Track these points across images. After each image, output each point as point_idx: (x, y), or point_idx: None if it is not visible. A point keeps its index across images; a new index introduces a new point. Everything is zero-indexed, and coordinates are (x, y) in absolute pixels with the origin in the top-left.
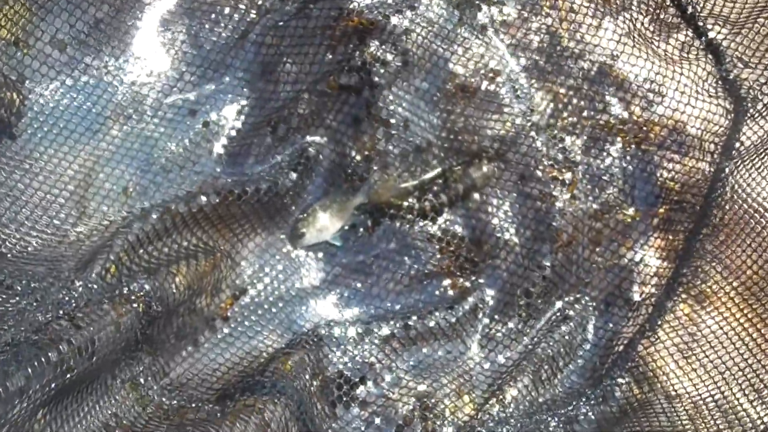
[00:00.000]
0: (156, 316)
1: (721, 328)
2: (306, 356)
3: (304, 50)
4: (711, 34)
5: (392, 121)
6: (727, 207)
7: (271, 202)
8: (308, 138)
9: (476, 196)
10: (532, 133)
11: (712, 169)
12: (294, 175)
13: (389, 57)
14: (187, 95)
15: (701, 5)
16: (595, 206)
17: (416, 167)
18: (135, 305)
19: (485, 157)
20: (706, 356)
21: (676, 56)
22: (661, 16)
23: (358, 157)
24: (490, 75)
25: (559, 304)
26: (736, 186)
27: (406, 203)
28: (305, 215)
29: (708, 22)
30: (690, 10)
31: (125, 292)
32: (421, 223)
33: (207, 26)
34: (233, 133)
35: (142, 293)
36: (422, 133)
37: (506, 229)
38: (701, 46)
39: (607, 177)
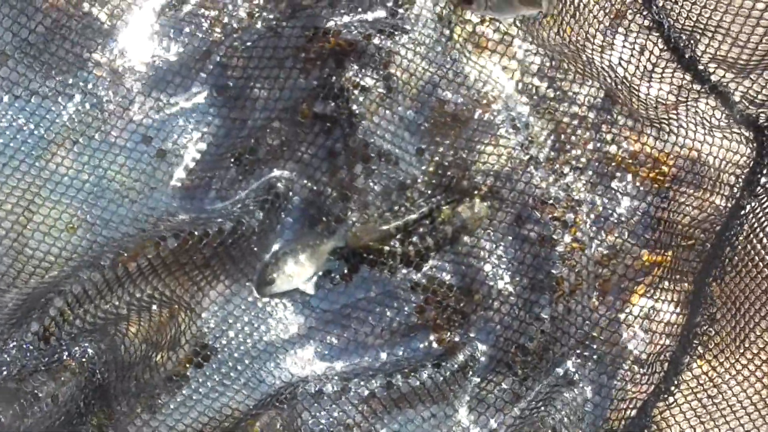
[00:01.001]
0: (102, 384)
1: (744, 390)
2: (276, 418)
3: (274, 74)
4: (714, 78)
5: (373, 154)
6: (743, 248)
7: (236, 244)
8: (277, 172)
9: (466, 239)
10: (531, 168)
11: (729, 205)
12: (260, 214)
13: (370, 82)
14: (141, 120)
15: (702, 49)
16: (601, 250)
17: (399, 206)
18: (76, 373)
19: (477, 195)
20: (727, 423)
21: (671, 100)
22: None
23: (334, 195)
24: (484, 102)
25: (560, 362)
26: (756, 226)
27: (387, 247)
28: (274, 260)
29: (710, 66)
30: (688, 54)
31: (65, 357)
32: (404, 270)
33: (165, 44)
34: (192, 164)
35: (84, 358)
36: (407, 168)
37: (500, 276)
38: (703, 89)
39: (615, 217)
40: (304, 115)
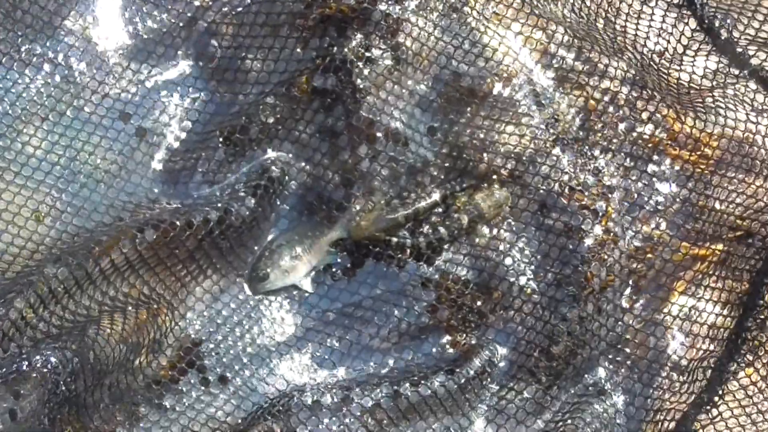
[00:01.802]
0: (69, 396)
1: None
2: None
3: (268, 43)
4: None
5: (379, 134)
6: None
7: (224, 235)
8: (271, 153)
9: (484, 229)
10: (557, 150)
11: None
12: (252, 201)
13: (376, 53)
14: (119, 94)
15: (740, 30)
16: (635, 243)
17: (409, 193)
18: (38, 385)
19: (496, 180)
20: None
21: (706, 85)
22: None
23: (336, 180)
24: (505, 75)
25: (589, 368)
26: None
27: (395, 239)
28: (267, 253)
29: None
30: (724, 34)
31: (25, 367)
32: (414, 265)
33: (146, 9)
34: (175, 144)
35: (47, 368)
36: (417, 149)
37: (522, 271)
38: (741, 74)
39: (651, 205)
40: (302, 90)
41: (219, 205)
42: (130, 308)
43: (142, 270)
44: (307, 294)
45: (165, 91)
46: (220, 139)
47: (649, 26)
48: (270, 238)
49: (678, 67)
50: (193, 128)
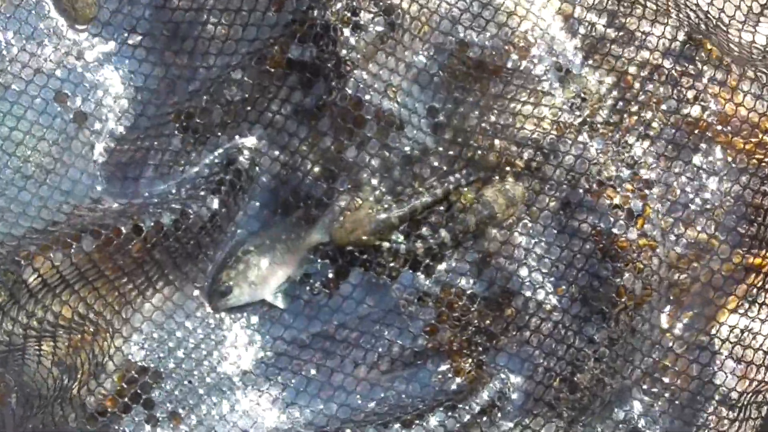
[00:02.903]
0: None
1: None
2: None
3: (235, 4)
4: None
5: (368, 117)
6: None
7: (180, 241)
8: (238, 140)
9: (495, 232)
10: (583, 136)
11: None
12: (215, 201)
13: (366, 18)
14: (53, 70)
15: None
16: (677, 249)
17: (404, 188)
18: None
19: (510, 173)
20: None
21: None
22: None
23: (316, 172)
24: (522, 45)
25: (620, 401)
26: None
27: (387, 244)
28: (232, 261)
29: None
30: None
31: None
32: (410, 275)
33: None
34: (121, 130)
35: None
36: (414, 135)
37: (540, 284)
38: None
39: (698, 204)
40: (276, 63)
41: (174, 205)
42: (61, 332)
43: (79, 285)
44: (279, 311)
45: (109, 65)
46: (177, 125)
47: None
48: (235, 242)
49: (753, 30)
50: (144, 111)
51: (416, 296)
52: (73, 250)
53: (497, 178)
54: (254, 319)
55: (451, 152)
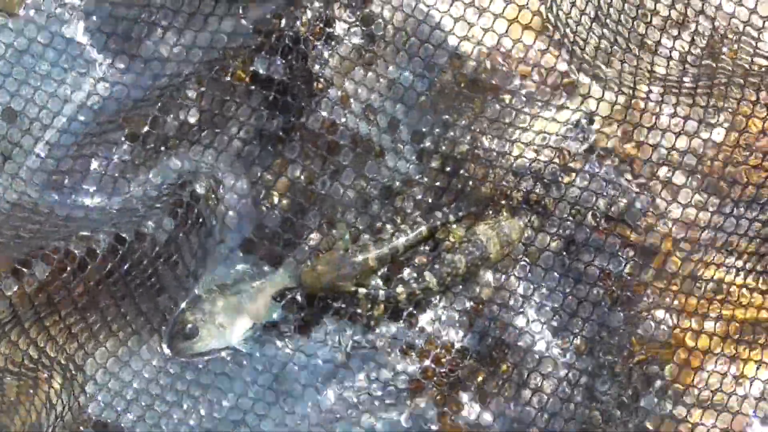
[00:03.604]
0: None
1: None
2: None
3: (193, 9)
4: None
5: (343, 142)
6: None
7: (135, 271)
8: (195, 161)
9: (488, 275)
10: (592, 163)
11: None
12: (171, 223)
13: (341, 28)
14: None
15: None
16: (699, 294)
17: (384, 225)
18: None
19: (506, 207)
20: None
21: None
22: None
23: (283, 204)
24: (523, 57)
25: None
26: None
27: (364, 289)
28: (197, 301)
29: None
30: None
31: None
32: (391, 325)
33: None
34: (59, 138)
35: None
36: (396, 163)
37: (540, 334)
38: None
39: (722, 240)
40: (238, 78)
41: (125, 224)
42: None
43: (13, 328)
44: (246, 358)
45: (45, 63)
46: (125, 137)
47: None
48: (197, 279)
49: None
50: (87, 118)
51: (399, 349)
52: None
53: (491, 213)
54: (219, 367)
55: (438, 183)
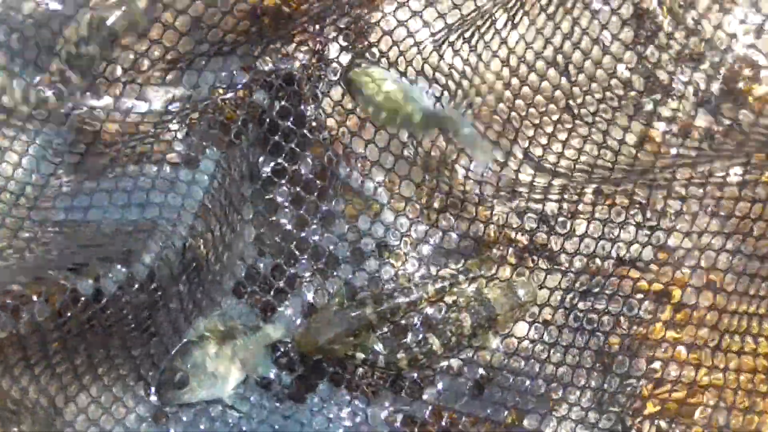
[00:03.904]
0: None
1: None
2: None
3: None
4: None
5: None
6: None
7: (126, 314)
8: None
9: (495, 340)
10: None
11: None
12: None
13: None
14: None
15: None
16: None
17: (383, 283)
18: None
19: (516, 266)
20: None
21: None
22: None
23: (269, 254)
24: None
25: None
26: None
27: (361, 355)
28: (186, 347)
29: None
30: None
31: None
32: (391, 394)
33: None
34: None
35: None
36: (396, 221)
37: (560, 400)
38: None
39: (744, 285)
40: (229, 117)
41: (118, 251)
42: None
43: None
44: (238, 416)
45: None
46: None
47: None
48: (188, 325)
49: None
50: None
51: (401, 420)
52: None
53: (502, 273)
54: (206, 424)
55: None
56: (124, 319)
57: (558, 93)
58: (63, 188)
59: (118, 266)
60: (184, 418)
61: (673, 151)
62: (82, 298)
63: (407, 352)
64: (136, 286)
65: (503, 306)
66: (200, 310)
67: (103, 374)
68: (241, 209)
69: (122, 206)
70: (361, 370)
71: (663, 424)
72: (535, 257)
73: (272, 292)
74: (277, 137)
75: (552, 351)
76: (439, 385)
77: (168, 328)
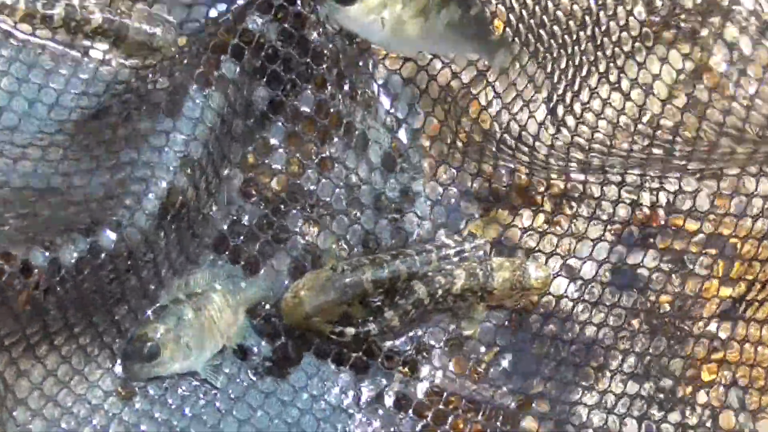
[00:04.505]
0: None
1: None
2: None
3: None
4: None
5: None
6: None
7: (89, 274)
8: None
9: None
10: None
11: None
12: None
13: None
14: None
15: None
16: None
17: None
18: None
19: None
20: None
21: None
22: None
23: (265, 213)
24: None
25: None
26: None
27: (351, 329)
28: (159, 312)
29: None
30: None
31: None
32: (389, 373)
33: None
34: None
35: None
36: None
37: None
38: None
39: None
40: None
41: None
42: None
43: None
44: (213, 391)
45: None
46: None
47: None
48: (158, 282)
49: None
50: None
51: (395, 400)
52: None
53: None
54: (177, 400)
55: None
56: (85, 286)
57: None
58: None
59: (79, 236)
60: (153, 393)
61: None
62: (35, 270)
63: (395, 308)
64: (102, 257)
65: (504, 282)
66: (174, 270)
67: (60, 344)
68: (229, 152)
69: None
70: (352, 341)
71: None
72: (574, 203)
73: (257, 247)
74: (275, 66)
75: (594, 311)
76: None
77: (137, 291)
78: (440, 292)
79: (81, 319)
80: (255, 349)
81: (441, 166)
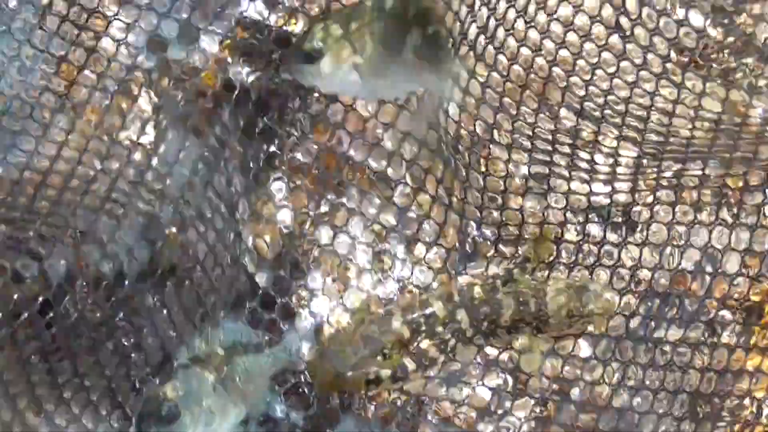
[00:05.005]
0: None
1: None
2: None
3: None
4: None
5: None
6: None
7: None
8: None
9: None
10: None
11: None
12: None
13: None
14: None
15: None
16: None
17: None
18: None
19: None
20: None
21: None
22: None
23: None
24: None
25: None
26: None
27: (387, 371)
28: (181, 372)
29: None
30: None
31: None
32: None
33: None
34: None
35: None
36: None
37: None
38: None
39: None
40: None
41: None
42: None
43: None
44: None
45: None
46: None
47: None
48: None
49: None
50: None
51: None
52: None
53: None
54: None
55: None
56: (90, 324)
57: None
58: None
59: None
60: None
61: None
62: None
63: (432, 336)
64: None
65: (560, 308)
66: (195, 326)
67: (69, 399)
68: (236, 207)
69: None
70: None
71: None
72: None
73: (276, 310)
74: (267, 119)
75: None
76: None
77: (153, 343)
78: (485, 323)
79: (91, 370)
80: (284, 419)
81: None
